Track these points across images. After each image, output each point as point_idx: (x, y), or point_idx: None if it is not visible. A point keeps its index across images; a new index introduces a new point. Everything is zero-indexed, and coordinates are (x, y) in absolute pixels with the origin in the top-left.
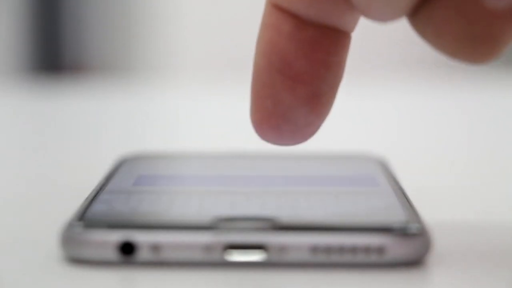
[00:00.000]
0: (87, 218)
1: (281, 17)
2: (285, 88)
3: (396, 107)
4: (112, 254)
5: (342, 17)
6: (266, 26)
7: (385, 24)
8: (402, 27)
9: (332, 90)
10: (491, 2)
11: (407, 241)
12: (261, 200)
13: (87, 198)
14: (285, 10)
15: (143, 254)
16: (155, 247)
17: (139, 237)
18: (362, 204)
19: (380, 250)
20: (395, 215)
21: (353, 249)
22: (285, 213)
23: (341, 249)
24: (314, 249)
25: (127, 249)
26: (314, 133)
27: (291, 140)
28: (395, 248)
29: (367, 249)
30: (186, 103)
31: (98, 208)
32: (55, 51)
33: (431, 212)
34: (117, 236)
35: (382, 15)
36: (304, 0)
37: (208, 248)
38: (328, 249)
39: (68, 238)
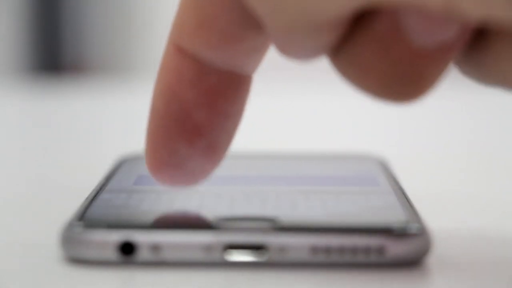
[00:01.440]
0: (87, 218)
1: (184, 61)
2: (182, 140)
3: (397, 107)
4: (112, 254)
5: (251, 56)
6: (166, 69)
7: (303, 64)
8: None
9: (230, 138)
10: (416, 42)
11: (407, 241)
12: (261, 200)
13: (87, 198)
14: (188, 54)
15: (143, 254)
16: (155, 247)
17: (139, 237)
18: (362, 204)
19: (380, 250)
20: (395, 215)
21: (353, 249)
22: (285, 213)
23: (341, 249)
24: (314, 249)
25: (127, 249)
26: (208, 176)
27: (185, 184)
28: (395, 248)
29: (367, 249)
30: None
31: (98, 208)
32: (55, 51)
33: (431, 212)
34: (117, 236)
35: (299, 54)
36: (211, 42)
37: (208, 248)
38: (328, 249)
39: (68, 238)
